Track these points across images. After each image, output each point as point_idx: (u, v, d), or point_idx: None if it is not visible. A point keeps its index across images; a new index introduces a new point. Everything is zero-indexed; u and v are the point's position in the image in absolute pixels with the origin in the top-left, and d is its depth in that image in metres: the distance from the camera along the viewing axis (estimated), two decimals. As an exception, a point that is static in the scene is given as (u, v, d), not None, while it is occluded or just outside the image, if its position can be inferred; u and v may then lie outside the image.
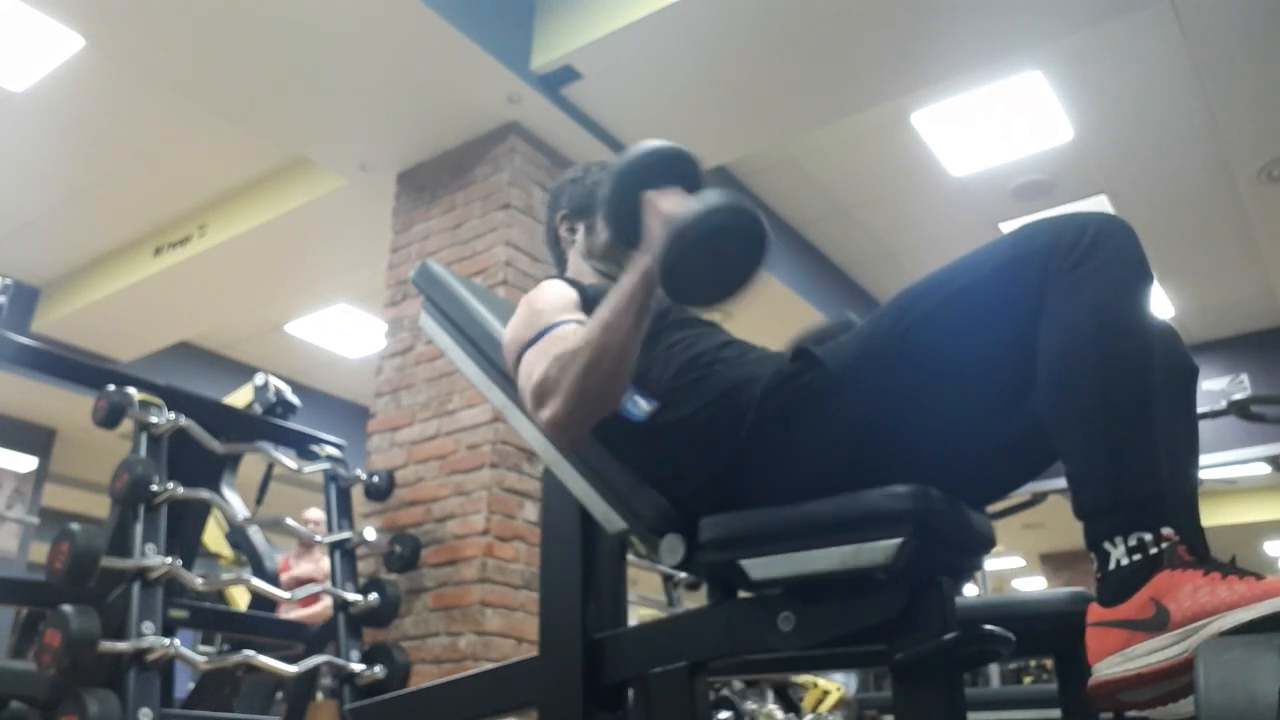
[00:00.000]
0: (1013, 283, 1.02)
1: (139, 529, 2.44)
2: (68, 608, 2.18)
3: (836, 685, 4.06)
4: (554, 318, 1.27)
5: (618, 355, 1.12)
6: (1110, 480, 0.94)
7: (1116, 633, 0.91)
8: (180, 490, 2.55)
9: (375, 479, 3.29)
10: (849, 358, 1.10)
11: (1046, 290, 0.99)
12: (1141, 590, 0.91)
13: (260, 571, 3.23)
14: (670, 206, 1.10)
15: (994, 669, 4.67)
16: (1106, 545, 0.93)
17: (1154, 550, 0.91)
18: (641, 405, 1.20)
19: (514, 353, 1.27)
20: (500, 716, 1.37)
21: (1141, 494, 0.93)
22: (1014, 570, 11.74)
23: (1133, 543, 0.92)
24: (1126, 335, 0.97)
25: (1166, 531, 0.92)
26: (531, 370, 1.20)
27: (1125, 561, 0.92)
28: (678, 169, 1.20)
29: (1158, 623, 0.89)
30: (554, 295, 1.32)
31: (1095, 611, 0.94)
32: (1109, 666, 0.91)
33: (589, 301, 1.33)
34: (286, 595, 2.92)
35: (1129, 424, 0.95)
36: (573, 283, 1.38)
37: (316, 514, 4.61)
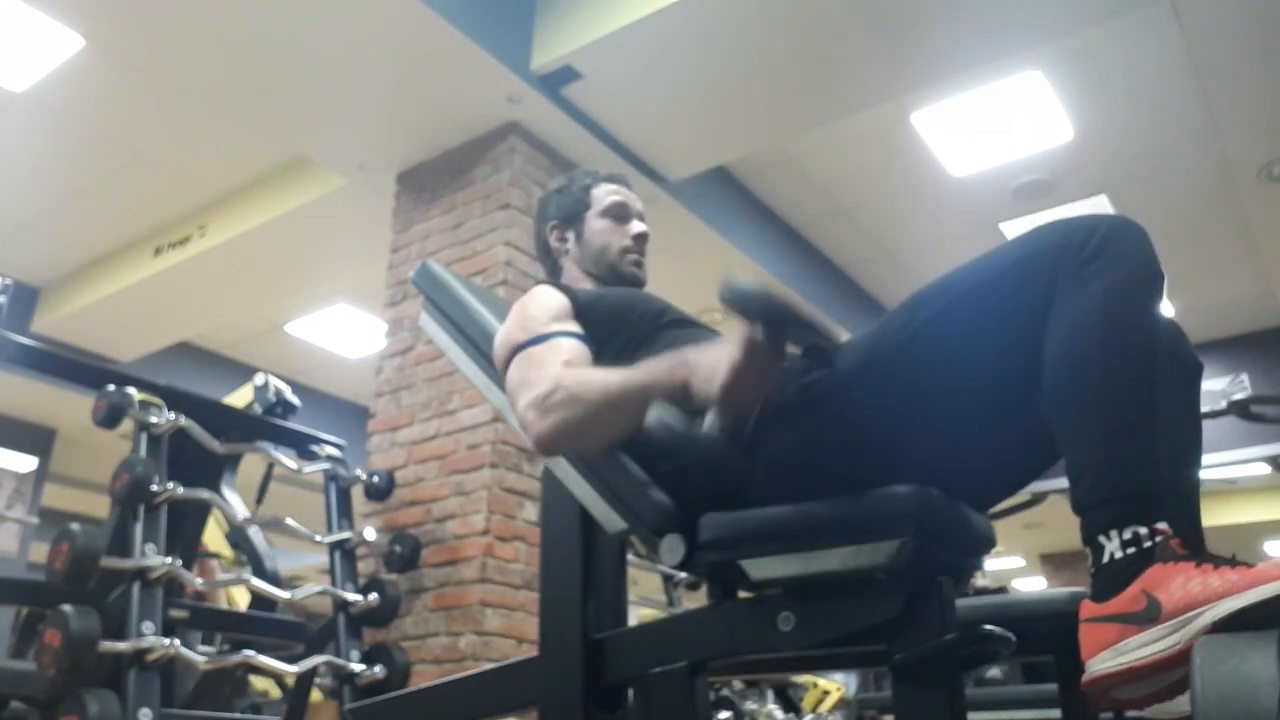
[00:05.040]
0: (1023, 283, 1.01)
1: (139, 529, 2.44)
2: (68, 608, 2.18)
3: (836, 685, 4.07)
4: (548, 326, 1.27)
5: (616, 425, 1.12)
6: (1108, 473, 0.93)
7: (1108, 627, 0.90)
8: (180, 490, 2.55)
9: (375, 479, 3.28)
10: (858, 358, 1.09)
11: (1056, 290, 0.98)
12: (1133, 584, 0.89)
13: (260, 571, 3.22)
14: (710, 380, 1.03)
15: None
16: (1101, 539, 0.92)
17: (1148, 544, 0.90)
18: None
19: (505, 354, 1.28)
20: (500, 716, 1.37)
21: (1139, 488, 0.92)
22: (1014, 570, 11.73)
23: (1127, 536, 0.91)
24: (1131, 330, 0.96)
25: (1161, 526, 0.91)
26: (525, 375, 1.21)
27: (1119, 555, 0.91)
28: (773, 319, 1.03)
29: (1149, 615, 0.87)
30: (545, 301, 1.33)
31: (1087, 607, 0.93)
32: (1102, 662, 0.90)
33: (581, 307, 1.34)
34: (286, 595, 2.91)
35: (1129, 418, 0.94)
36: (565, 289, 1.38)
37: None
